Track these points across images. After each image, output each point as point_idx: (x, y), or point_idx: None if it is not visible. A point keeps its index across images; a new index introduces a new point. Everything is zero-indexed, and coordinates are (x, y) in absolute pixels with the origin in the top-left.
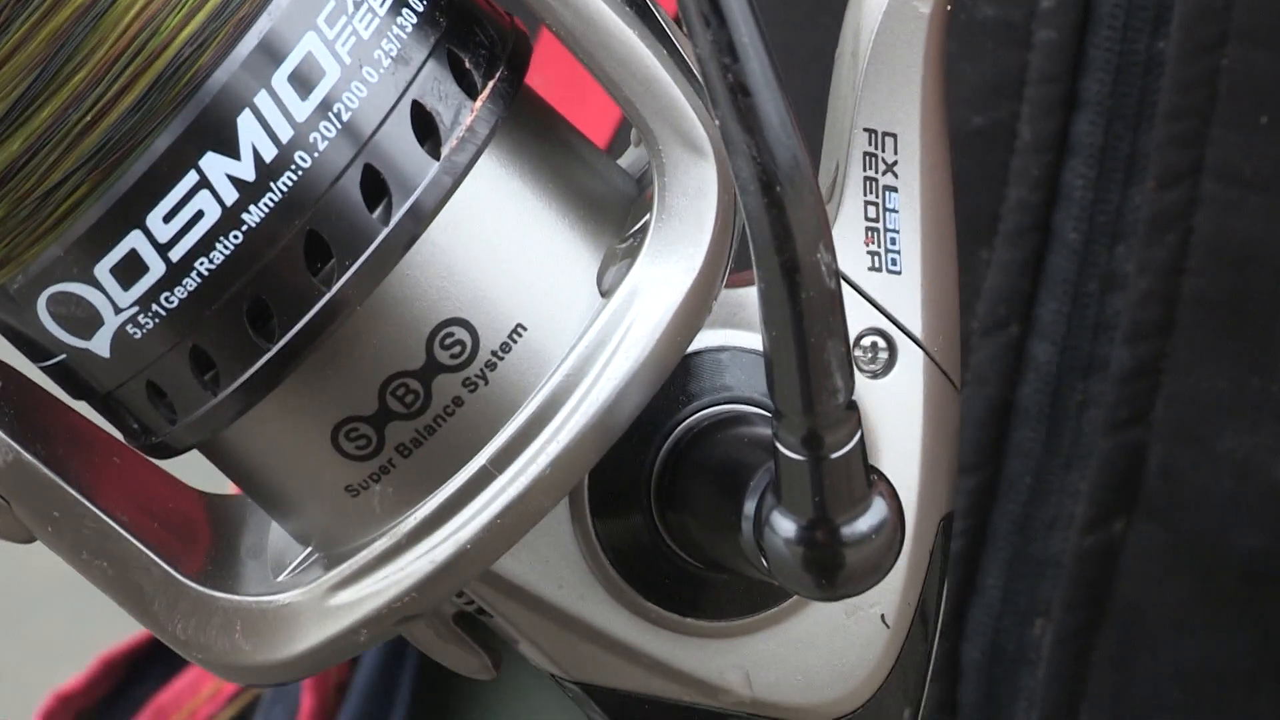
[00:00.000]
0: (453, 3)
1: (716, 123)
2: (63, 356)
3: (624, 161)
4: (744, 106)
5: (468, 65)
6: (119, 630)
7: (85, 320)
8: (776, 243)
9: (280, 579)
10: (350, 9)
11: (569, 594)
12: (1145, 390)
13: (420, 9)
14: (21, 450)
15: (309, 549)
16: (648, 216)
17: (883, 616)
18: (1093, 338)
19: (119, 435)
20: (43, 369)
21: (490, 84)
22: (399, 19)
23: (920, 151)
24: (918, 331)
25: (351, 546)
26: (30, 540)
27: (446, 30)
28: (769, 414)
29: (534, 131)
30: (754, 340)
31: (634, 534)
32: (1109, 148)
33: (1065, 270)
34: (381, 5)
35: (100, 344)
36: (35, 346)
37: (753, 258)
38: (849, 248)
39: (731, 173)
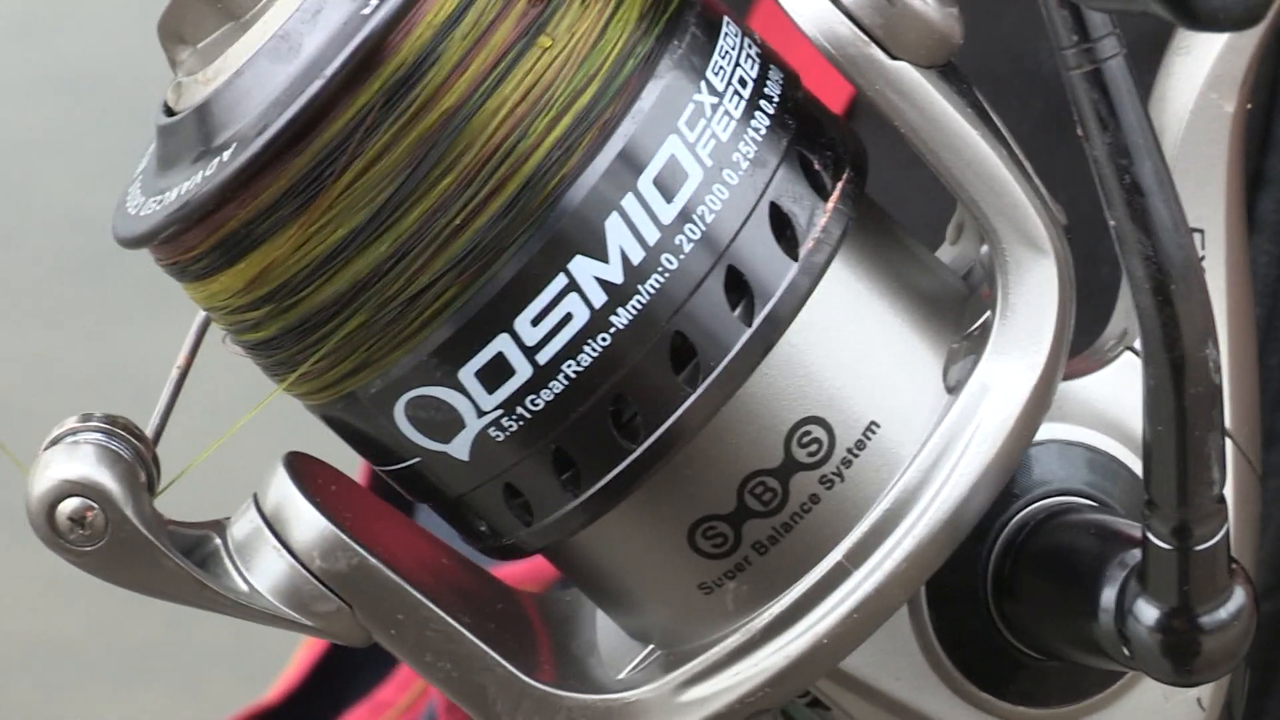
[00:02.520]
0: (799, 106)
1: (1111, 222)
2: (416, 460)
3: (944, 259)
4: (1139, 206)
5: (816, 167)
6: None
7: (445, 424)
8: (1167, 340)
9: (621, 676)
10: (708, 112)
11: (906, 686)
12: None
13: (771, 112)
14: (367, 554)
15: (650, 646)
16: (988, 314)
17: (1199, 700)
18: (1271, 412)
19: (459, 538)
20: (389, 473)
21: (839, 185)
22: (753, 121)
23: (1225, 246)
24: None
25: (699, 644)
26: (367, 643)
27: (796, 132)
28: (1096, 505)
29: (875, 231)
30: (1069, 432)
31: (969, 626)
32: None
33: None
34: (736, 108)
35: (459, 447)
36: (384, 450)
37: (1141, 353)
38: None
39: (1125, 270)
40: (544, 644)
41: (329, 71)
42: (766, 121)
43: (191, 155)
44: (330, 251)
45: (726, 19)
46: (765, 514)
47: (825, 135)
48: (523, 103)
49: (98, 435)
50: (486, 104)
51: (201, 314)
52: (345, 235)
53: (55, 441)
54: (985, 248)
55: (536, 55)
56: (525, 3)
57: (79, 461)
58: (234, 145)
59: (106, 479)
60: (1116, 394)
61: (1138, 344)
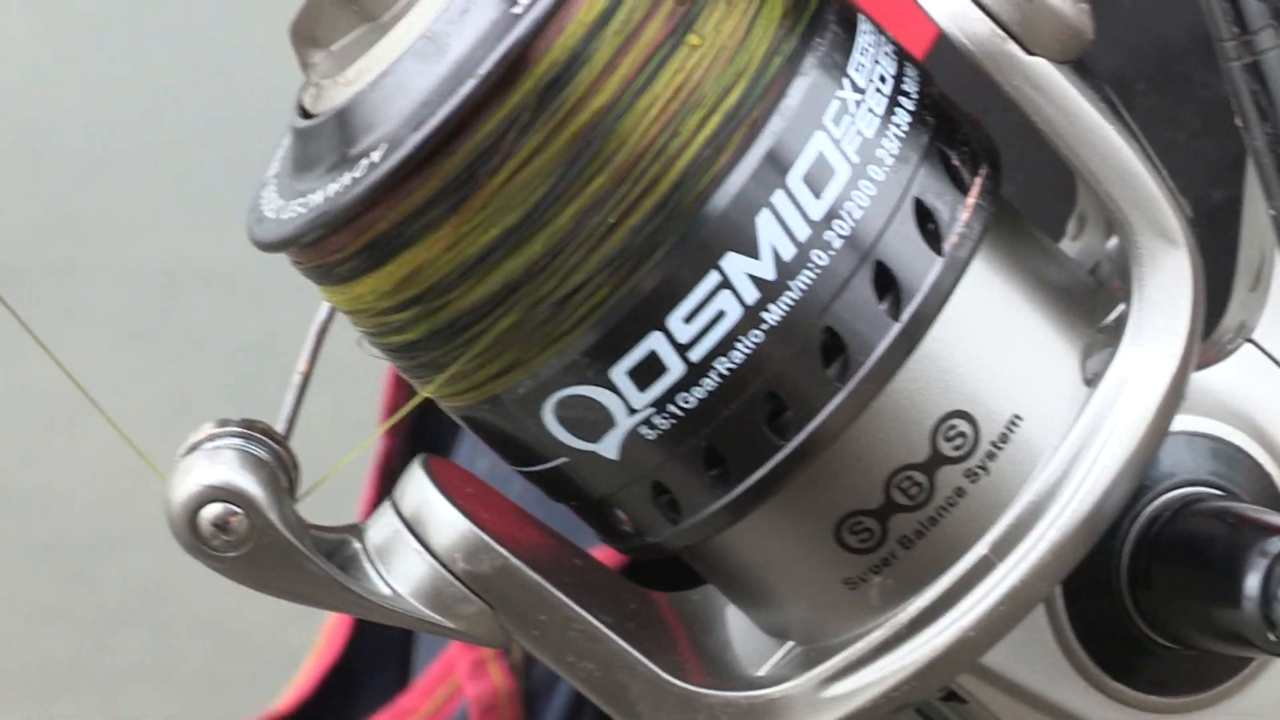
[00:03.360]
0: (935, 102)
1: (1271, 212)
2: (562, 460)
3: (1069, 252)
4: None
5: (955, 162)
6: None
7: (595, 423)
8: None
9: (761, 673)
10: (852, 109)
11: (1042, 678)
12: None
13: (911, 109)
14: (510, 555)
15: (789, 643)
16: (1122, 306)
17: None
18: None
19: (598, 538)
20: (529, 474)
21: (978, 180)
22: (894, 118)
23: None
24: None
25: (842, 639)
26: (506, 644)
27: (935, 129)
28: (1226, 495)
29: (1009, 226)
30: (1194, 423)
31: (1103, 616)
32: None
33: None
34: (879, 105)
35: (609, 446)
36: (527, 450)
37: None
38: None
39: None
40: (682, 642)
41: (483, 70)
42: (907, 118)
43: (335, 157)
44: (482, 252)
45: (861, 15)
46: (911, 508)
47: (961, 131)
48: (673, 101)
49: (237, 440)
50: (638, 103)
51: (319, 317)
52: (498, 235)
53: (193, 448)
54: (1113, 241)
55: (685, 53)
56: (673, 1)
57: (221, 466)
58: (383, 146)
59: (250, 483)
60: (1238, 385)
61: (1257, 336)
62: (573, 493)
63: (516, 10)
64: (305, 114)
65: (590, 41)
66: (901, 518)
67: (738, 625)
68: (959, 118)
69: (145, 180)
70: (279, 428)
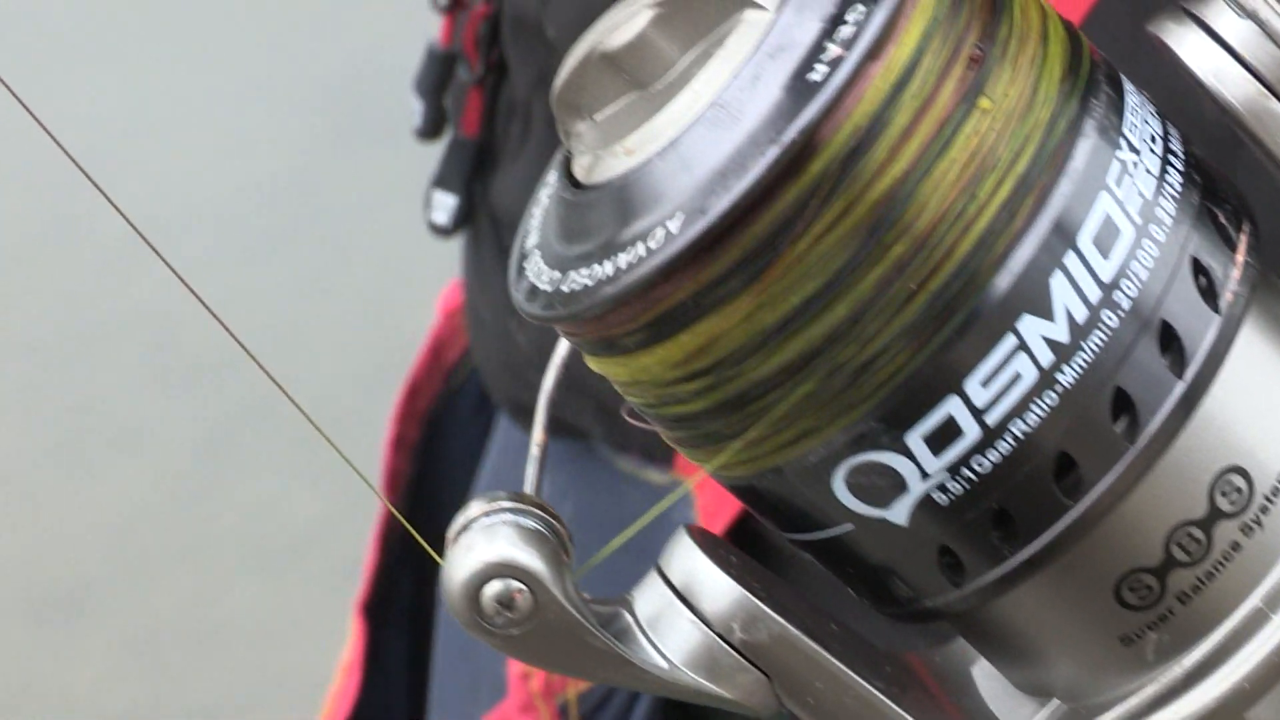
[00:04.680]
0: (1199, 160)
1: None
2: (846, 528)
3: None
4: None
5: (1222, 220)
6: None
7: (886, 489)
8: None
9: None
10: (1131, 170)
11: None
12: None
13: (1181, 168)
14: (787, 624)
15: (1053, 701)
16: None
17: None
18: None
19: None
20: (803, 541)
21: (1243, 237)
22: (1168, 177)
23: None
24: None
25: (1111, 696)
26: (776, 713)
27: (1203, 187)
28: None
29: (1272, 282)
30: None
31: None
32: None
33: None
34: (1153, 165)
35: (899, 513)
36: (806, 519)
37: None
38: None
39: None
40: (946, 704)
41: (786, 139)
42: (1179, 177)
43: (619, 227)
44: (781, 320)
45: (1123, 75)
46: (1190, 564)
47: (1222, 188)
48: (969, 165)
49: (513, 516)
50: (935, 168)
51: (548, 387)
52: (798, 304)
53: (467, 526)
54: None
55: (978, 117)
56: (964, 66)
57: (501, 542)
58: (679, 216)
59: (532, 559)
60: None
61: None
62: (850, 560)
63: (814, 77)
64: (574, 183)
65: (889, 107)
66: (1180, 573)
67: (988, 683)
68: (1218, 175)
69: None
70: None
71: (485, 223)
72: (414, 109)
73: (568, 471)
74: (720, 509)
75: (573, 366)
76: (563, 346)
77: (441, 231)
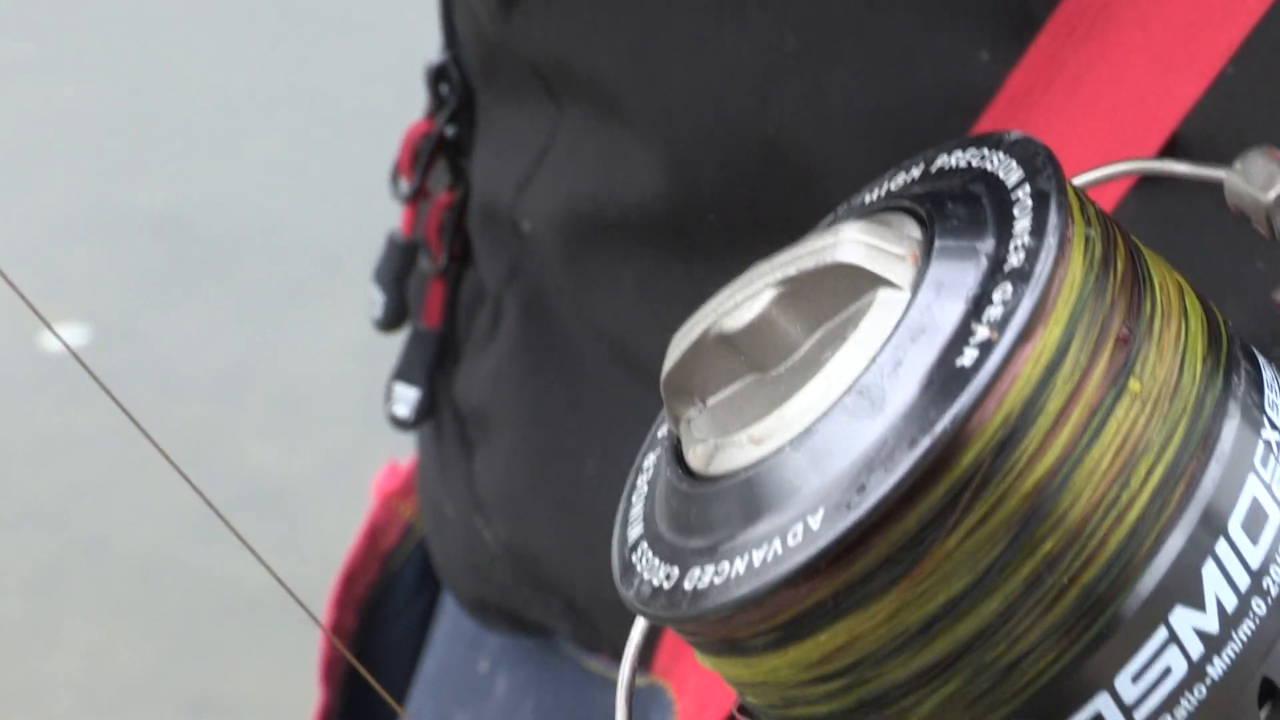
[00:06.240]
0: None
1: None
2: None
3: None
4: None
5: None
6: None
7: None
8: None
9: None
10: (1276, 450)
11: None
12: None
13: None
14: None
15: None
16: None
17: None
18: None
19: None
20: None
21: None
22: None
23: None
24: None
25: None
26: None
27: None
28: None
29: None
30: None
31: None
32: None
33: None
34: None
35: None
36: None
37: None
38: None
39: None
40: None
41: (939, 429)
42: None
43: (746, 521)
44: (926, 620)
45: (1253, 347)
46: None
47: None
48: (1121, 452)
49: None
50: (1088, 455)
51: (625, 679)
52: (944, 603)
53: None
54: None
55: (1129, 400)
56: (1113, 346)
57: None
58: (820, 510)
59: None
60: None
61: None
62: None
63: (964, 363)
64: (688, 471)
65: (1042, 393)
66: None
67: None
68: None
69: None
70: None
71: (448, 416)
72: (374, 300)
73: (529, 668)
74: (702, 714)
75: (542, 564)
76: (640, 622)
77: (403, 425)
